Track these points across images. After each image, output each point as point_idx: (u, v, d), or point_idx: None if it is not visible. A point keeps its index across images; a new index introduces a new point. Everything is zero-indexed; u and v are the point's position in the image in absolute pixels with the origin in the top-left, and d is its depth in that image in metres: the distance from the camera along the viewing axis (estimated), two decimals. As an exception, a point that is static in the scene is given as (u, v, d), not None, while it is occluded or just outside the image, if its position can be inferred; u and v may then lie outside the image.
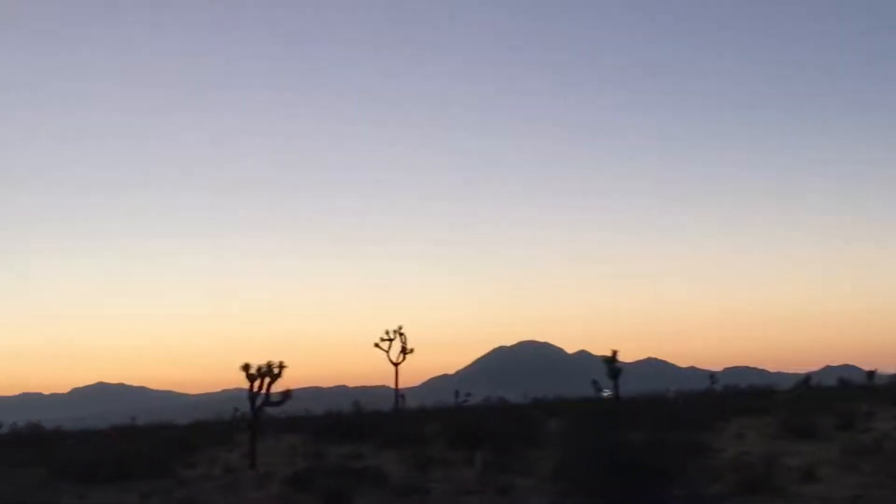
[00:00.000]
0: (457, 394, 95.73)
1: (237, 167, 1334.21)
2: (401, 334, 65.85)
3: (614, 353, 51.64)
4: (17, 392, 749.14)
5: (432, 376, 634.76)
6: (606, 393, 64.35)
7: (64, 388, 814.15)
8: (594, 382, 70.27)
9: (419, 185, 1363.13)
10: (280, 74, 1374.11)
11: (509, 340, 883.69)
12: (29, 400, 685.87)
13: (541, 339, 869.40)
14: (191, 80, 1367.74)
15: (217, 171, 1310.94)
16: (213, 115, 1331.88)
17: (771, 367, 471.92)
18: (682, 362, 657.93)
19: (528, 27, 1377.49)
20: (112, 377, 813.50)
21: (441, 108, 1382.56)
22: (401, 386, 67.82)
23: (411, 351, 66.07)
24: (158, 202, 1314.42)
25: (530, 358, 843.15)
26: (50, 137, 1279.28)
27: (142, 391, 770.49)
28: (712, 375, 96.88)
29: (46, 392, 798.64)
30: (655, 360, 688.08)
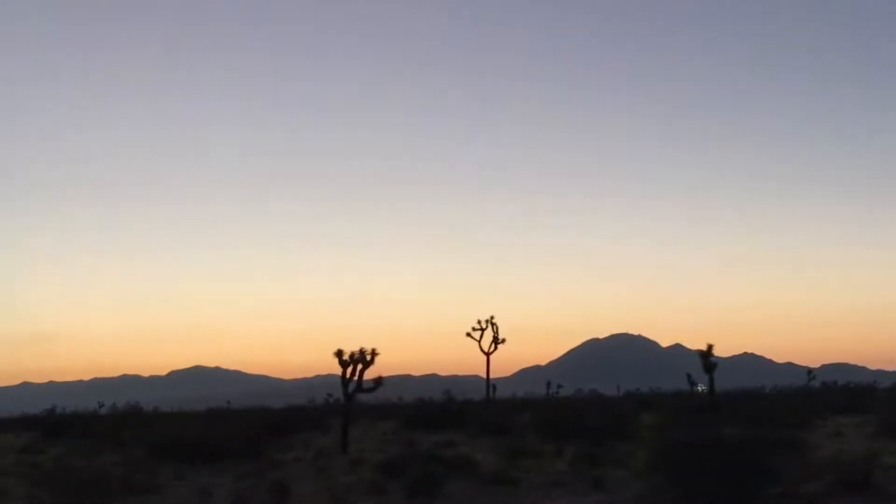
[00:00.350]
0: (548, 385, 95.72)
1: (329, 161, 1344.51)
2: (493, 324, 65.85)
3: (710, 347, 50.92)
4: (117, 374, 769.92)
5: (524, 367, 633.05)
6: (701, 388, 63.68)
7: (162, 370, 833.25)
8: (688, 377, 69.63)
9: (515, 176, 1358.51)
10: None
11: (602, 333, 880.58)
12: (128, 381, 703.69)
13: (634, 331, 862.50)
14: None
15: (314, 164, 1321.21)
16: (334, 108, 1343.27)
17: (871, 365, 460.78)
18: (780, 358, 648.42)
19: None
20: (209, 361, 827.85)
21: (531, 102, 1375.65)
22: (492, 376, 67.90)
23: (503, 341, 66.06)
24: (251, 192, 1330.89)
25: (623, 351, 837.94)
26: (165, 129, 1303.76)
27: (237, 375, 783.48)
28: (810, 372, 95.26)
29: (145, 374, 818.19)
30: (752, 354, 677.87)
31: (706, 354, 50.93)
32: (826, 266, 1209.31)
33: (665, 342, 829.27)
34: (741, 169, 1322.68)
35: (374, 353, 41.87)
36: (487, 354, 65.51)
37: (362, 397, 45.41)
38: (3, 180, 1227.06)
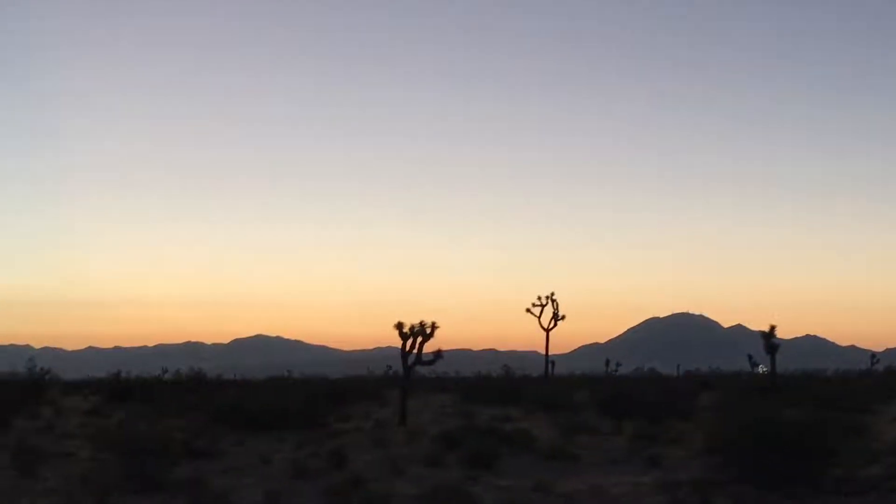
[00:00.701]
0: (607, 363, 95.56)
1: (391, 137, 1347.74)
2: (553, 300, 65.69)
3: (772, 328, 50.47)
4: (181, 340, 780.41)
5: (582, 344, 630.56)
6: (762, 369, 63.15)
7: (225, 338, 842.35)
8: (749, 358, 69.10)
9: (578, 151, 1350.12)
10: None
11: (663, 312, 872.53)
12: (191, 348, 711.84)
13: (696, 311, 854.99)
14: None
15: (375, 141, 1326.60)
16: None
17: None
18: (843, 341, 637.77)
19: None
20: (270, 330, 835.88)
21: (594, 75, 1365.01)
22: (550, 352, 67.80)
23: (563, 318, 65.91)
24: (316, 166, 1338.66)
25: (684, 330, 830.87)
26: (230, 98, 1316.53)
27: (297, 345, 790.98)
28: (874, 356, 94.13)
29: (208, 342, 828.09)
30: (815, 337, 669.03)
31: (768, 335, 50.49)
32: (893, 249, 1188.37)
33: (726, 323, 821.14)
34: (809, 149, 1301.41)
35: (433, 327, 42.09)
36: (547, 331, 65.46)
37: (420, 370, 45.72)
38: (71, 148, 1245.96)
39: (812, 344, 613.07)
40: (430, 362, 43.49)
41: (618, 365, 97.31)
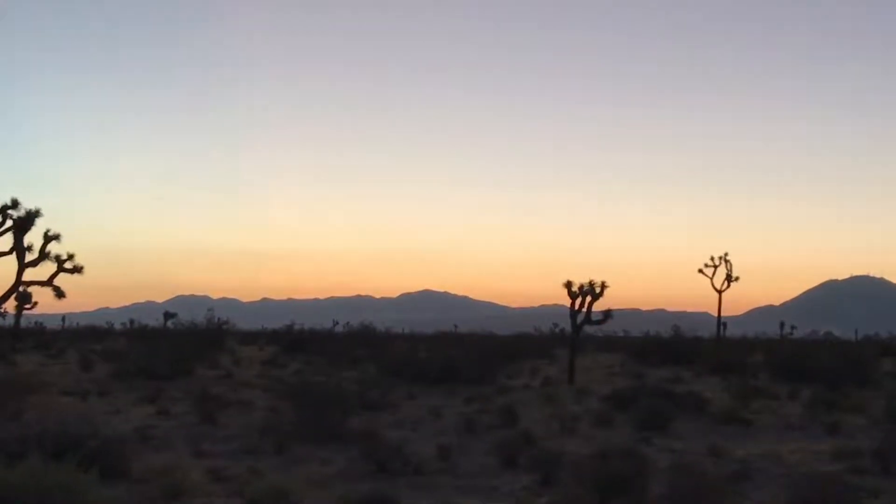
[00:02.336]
0: (781, 325, 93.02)
1: (562, 102, 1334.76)
2: (727, 261, 64.32)
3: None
4: (351, 294, 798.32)
5: (756, 307, 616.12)
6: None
7: (393, 292, 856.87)
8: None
9: (753, 112, 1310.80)
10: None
11: (841, 274, 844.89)
12: (361, 302, 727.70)
13: (877, 274, 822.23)
14: None
15: (551, 103, 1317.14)
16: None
17: None
18: None
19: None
20: (438, 286, 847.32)
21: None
22: (723, 314, 66.48)
23: (736, 279, 64.54)
24: (493, 127, 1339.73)
25: (863, 293, 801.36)
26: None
27: (464, 301, 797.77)
28: None
29: (377, 296, 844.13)
30: None
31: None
32: None
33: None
34: None
35: (603, 286, 41.96)
36: (719, 292, 64.10)
37: (589, 329, 45.61)
38: (249, 104, 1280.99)
39: None
40: (600, 322, 43.34)
41: (793, 328, 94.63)
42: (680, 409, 24.47)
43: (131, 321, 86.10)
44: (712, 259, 64.54)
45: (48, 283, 33.60)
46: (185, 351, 41.57)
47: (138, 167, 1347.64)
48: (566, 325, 44.46)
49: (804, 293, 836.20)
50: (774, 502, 11.93)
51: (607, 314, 43.17)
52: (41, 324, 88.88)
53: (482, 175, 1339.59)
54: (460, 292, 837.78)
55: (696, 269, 65.00)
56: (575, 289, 42.29)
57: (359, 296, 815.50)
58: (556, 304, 48.98)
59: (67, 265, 33.53)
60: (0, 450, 12.56)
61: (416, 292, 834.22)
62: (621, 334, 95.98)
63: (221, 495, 13.61)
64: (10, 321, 61.03)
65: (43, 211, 32.47)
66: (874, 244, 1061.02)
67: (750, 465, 16.89)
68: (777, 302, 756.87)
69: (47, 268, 33.18)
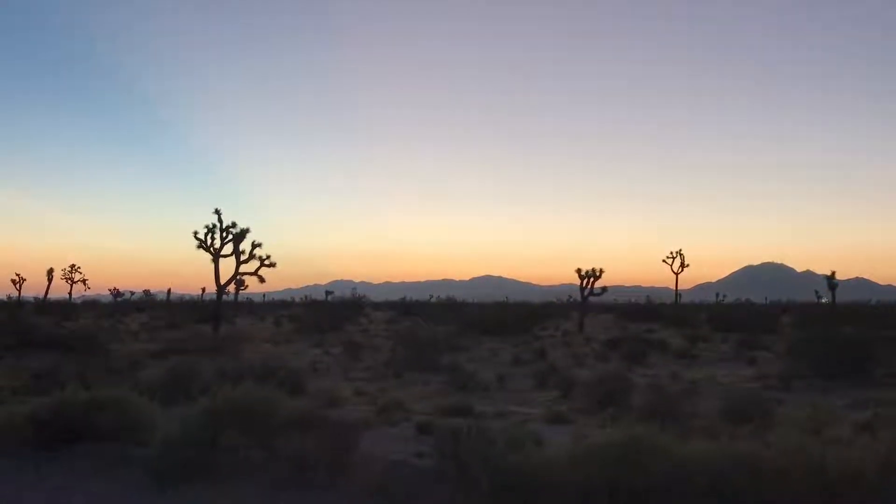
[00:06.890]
0: (717, 295, 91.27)
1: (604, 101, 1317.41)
2: (681, 254, 63.79)
3: (833, 273, 47.41)
4: (440, 277, 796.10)
5: (700, 283, 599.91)
6: (823, 300, 58.85)
7: (466, 276, 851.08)
8: (816, 293, 64.24)
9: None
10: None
11: (756, 261, 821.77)
12: (445, 283, 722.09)
13: (780, 261, 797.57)
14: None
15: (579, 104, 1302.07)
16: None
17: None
18: (884, 281, 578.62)
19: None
20: (495, 271, 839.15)
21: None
22: (679, 288, 65.76)
23: (687, 265, 63.92)
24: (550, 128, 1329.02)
25: (771, 274, 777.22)
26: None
27: (512, 282, 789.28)
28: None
29: (456, 279, 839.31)
30: (862, 279, 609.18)
31: (830, 278, 47.51)
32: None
33: (800, 268, 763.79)
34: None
35: (601, 271, 41.99)
36: (676, 274, 63.55)
37: (593, 299, 45.34)
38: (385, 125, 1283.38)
39: (861, 284, 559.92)
40: (599, 294, 43.27)
41: (724, 296, 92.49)
42: (651, 349, 24.36)
43: (305, 297, 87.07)
44: (671, 252, 64.19)
45: (254, 273, 34.64)
46: (338, 315, 42.25)
47: (312, 199, 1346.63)
48: (577, 296, 44.19)
49: (732, 273, 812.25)
50: (713, 408, 11.99)
51: (604, 289, 43.06)
52: (250, 300, 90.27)
53: (522, 194, 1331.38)
54: (509, 276, 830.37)
55: (661, 259, 64.60)
56: (583, 273, 42.25)
57: (445, 279, 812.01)
58: (570, 283, 48.65)
59: (266, 262, 34.52)
60: (227, 377, 12.96)
61: (481, 276, 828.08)
62: (612, 301, 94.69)
63: (362, 405, 13.98)
64: (231, 298, 62.36)
65: (251, 228, 33.60)
66: (782, 239, 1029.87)
67: (697, 384, 16.85)
68: (714, 279, 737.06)
69: (253, 264, 34.25)
